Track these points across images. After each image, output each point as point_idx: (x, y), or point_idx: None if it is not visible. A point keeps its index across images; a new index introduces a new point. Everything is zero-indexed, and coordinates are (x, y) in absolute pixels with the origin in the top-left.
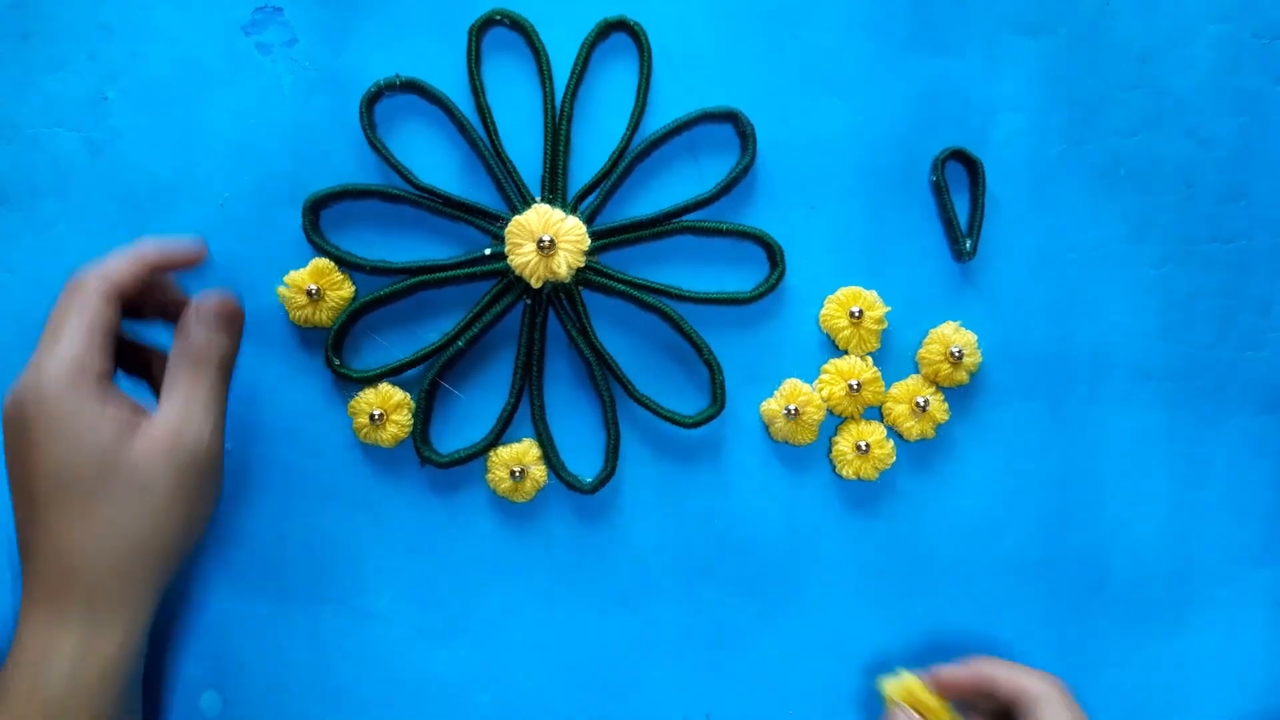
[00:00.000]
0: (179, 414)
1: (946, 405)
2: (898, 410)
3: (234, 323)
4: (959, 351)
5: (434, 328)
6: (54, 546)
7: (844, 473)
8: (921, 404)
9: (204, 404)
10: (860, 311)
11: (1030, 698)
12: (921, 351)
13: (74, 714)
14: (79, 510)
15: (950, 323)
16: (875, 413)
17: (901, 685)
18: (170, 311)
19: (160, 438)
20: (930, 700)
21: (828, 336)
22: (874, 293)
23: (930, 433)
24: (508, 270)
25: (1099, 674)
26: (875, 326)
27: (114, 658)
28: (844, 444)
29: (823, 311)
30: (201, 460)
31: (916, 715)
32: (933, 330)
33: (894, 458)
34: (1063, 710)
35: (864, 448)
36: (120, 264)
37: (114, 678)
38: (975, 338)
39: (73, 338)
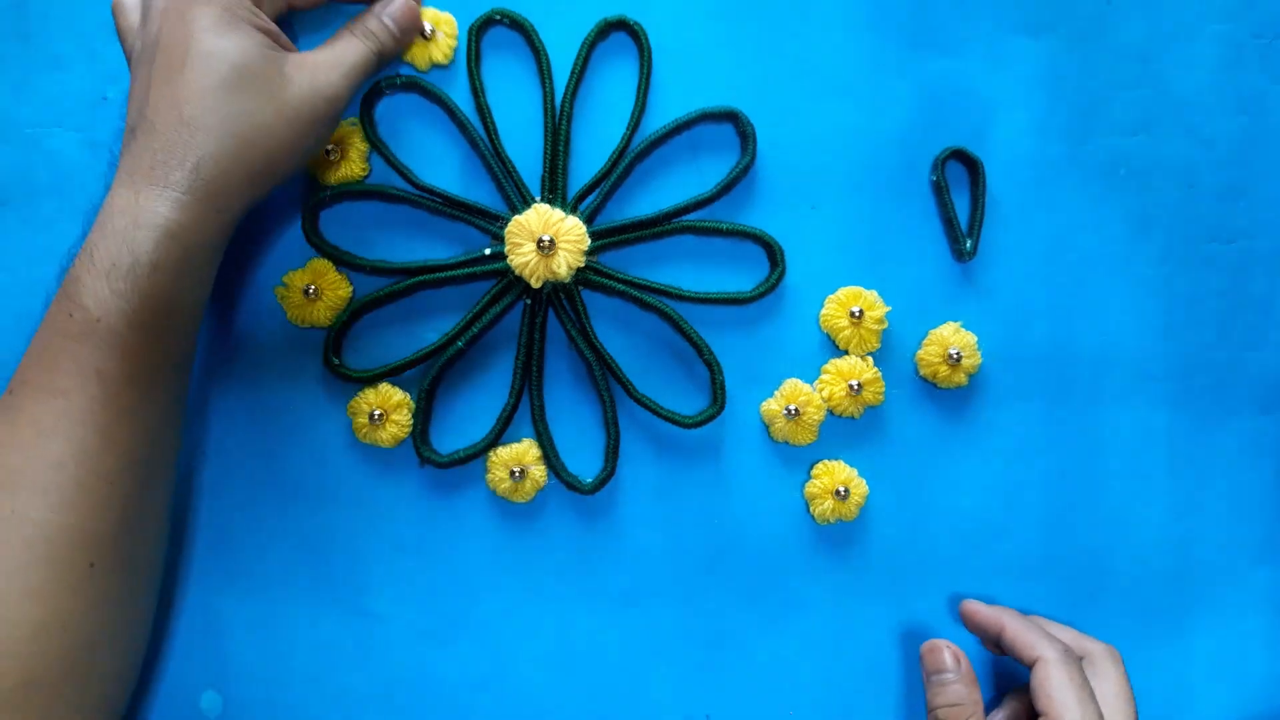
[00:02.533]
0: (331, 60)
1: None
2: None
3: (409, 27)
4: (957, 354)
5: (434, 328)
6: (180, 116)
7: (820, 514)
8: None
9: (350, 69)
10: (860, 311)
11: (1036, 659)
12: (920, 353)
13: (157, 287)
14: (218, 93)
15: (950, 324)
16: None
17: None
18: None
19: (309, 66)
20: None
21: (828, 336)
22: (874, 292)
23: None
24: (507, 270)
25: None
26: (875, 326)
27: (203, 242)
28: (817, 487)
29: (823, 311)
30: (331, 105)
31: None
32: (932, 331)
33: (867, 492)
34: (1066, 683)
35: (843, 493)
36: None
37: (198, 261)
38: (975, 339)
39: None
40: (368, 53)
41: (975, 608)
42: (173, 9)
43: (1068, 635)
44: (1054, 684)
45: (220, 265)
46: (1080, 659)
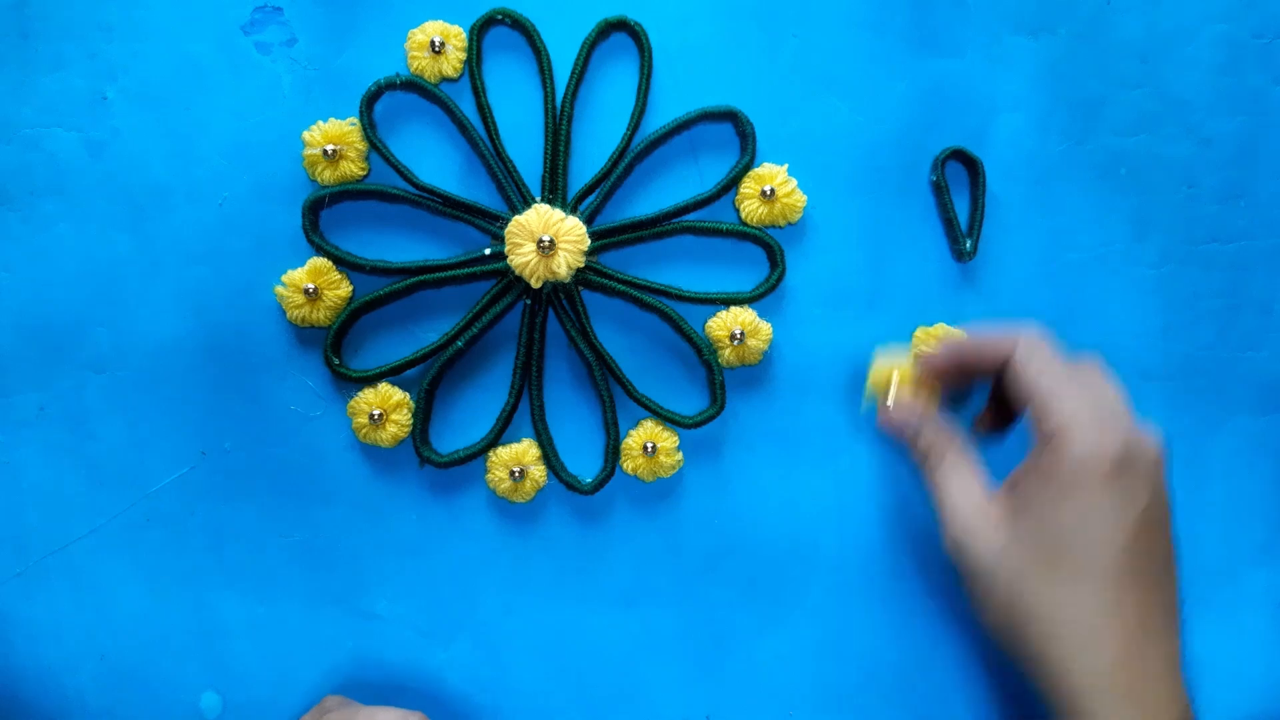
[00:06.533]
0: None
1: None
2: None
3: None
4: None
5: (434, 328)
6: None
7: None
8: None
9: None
10: (772, 190)
11: (1012, 351)
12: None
13: None
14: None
15: (940, 324)
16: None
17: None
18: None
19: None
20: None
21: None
22: (784, 168)
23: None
24: (507, 270)
25: None
26: (790, 200)
27: None
28: (633, 441)
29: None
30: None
31: (906, 404)
32: (920, 330)
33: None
34: (1048, 357)
35: (650, 449)
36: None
37: None
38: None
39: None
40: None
41: (930, 359)
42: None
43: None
44: (1037, 365)
45: (219, 264)
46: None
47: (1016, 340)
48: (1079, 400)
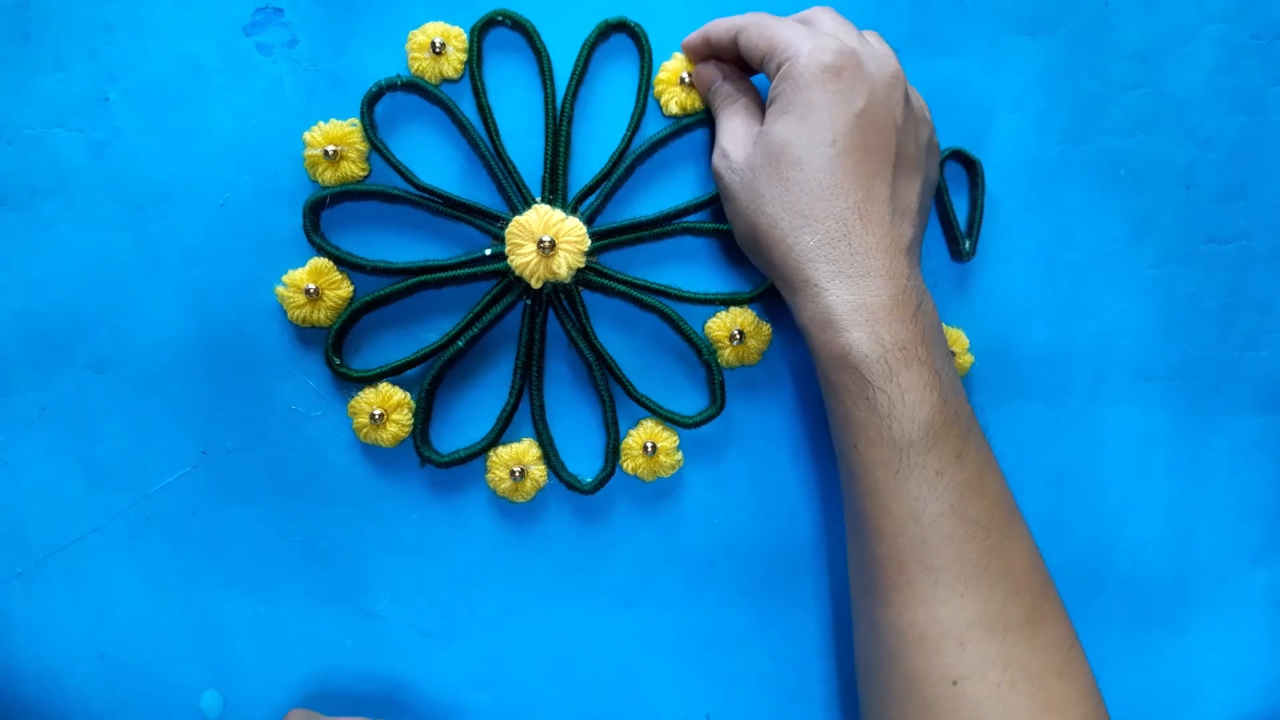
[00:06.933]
0: None
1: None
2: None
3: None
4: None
5: (434, 328)
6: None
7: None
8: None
9: None
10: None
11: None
12: None
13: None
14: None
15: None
16: None
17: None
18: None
19: None
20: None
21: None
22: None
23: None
24: (508, 270)
25: (1099, 674)
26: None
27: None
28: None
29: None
30: None
31: (708, 65)
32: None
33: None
34: (769, 19)
35: (650, 449)
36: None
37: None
38: (966, 340)
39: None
40: None
41: (688, 41)
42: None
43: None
44: (757, 30)
45: (220, 265)
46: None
47: (744, 23)
48: (795, 30)
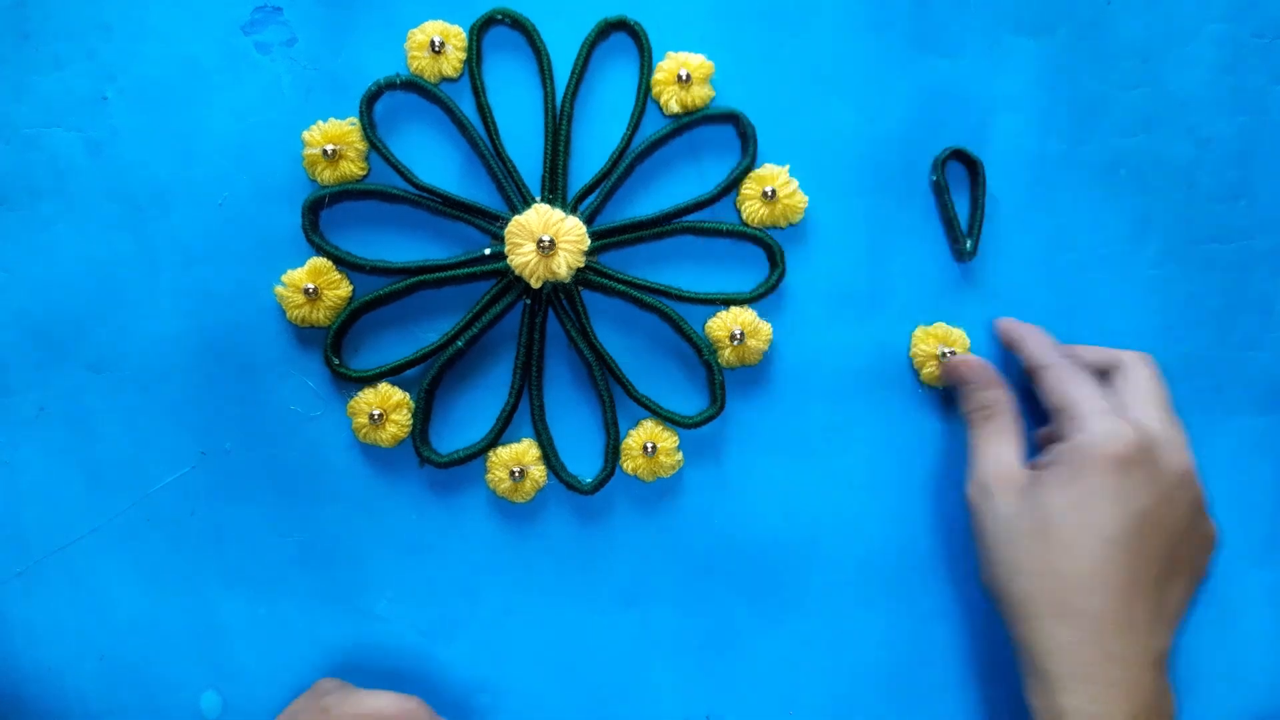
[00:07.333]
0: None
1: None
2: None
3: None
4: (948, 351)
5: (434, 328)
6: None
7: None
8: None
9: None
10: (775, 191)
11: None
12: (911, 350)
13: None
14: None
15: (939, 324)
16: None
17: (934, 335)
18: None
19: None
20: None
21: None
22: (785, 168)
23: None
24: (507, 270)
25: None
26: (790, 200)
27: None
28: (633, 441)
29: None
30: None
31: (973, 358)
32: (920, 329)
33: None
34: (1073, 376)
35: (650, 449)
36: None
37: None
38: (966, 339)
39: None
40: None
41: (1005, 325)
42: None
43: (1092, 353)
44: (1057, 378)
45: (219, 264)
46: (1105, 373)
47: (1041, 364)
48: (1095, 403)
